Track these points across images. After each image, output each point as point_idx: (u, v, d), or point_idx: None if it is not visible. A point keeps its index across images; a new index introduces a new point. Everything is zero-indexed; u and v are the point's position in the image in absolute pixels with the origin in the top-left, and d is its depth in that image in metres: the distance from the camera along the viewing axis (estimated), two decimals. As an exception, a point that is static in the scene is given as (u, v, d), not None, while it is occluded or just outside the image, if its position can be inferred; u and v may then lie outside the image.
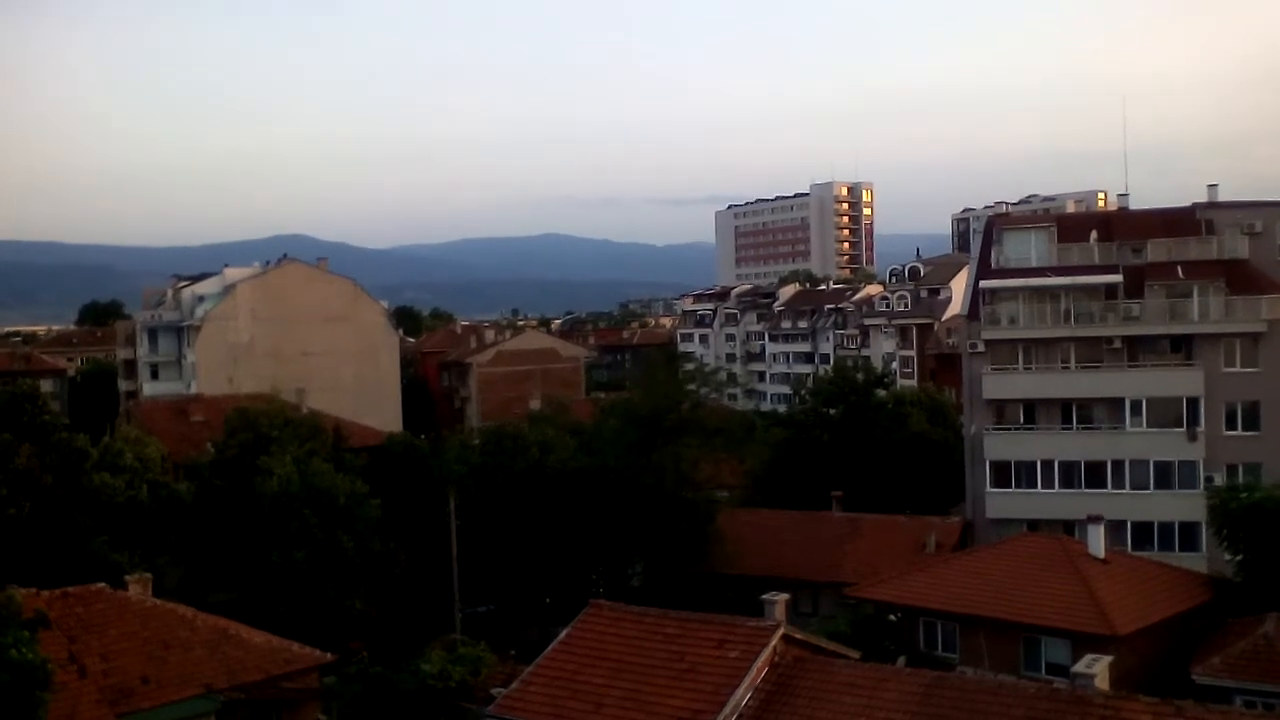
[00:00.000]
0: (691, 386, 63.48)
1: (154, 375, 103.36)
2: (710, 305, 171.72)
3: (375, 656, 43.21)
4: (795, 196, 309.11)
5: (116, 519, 48.41)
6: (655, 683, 27.21)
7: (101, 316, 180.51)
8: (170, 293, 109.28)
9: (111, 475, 50.26)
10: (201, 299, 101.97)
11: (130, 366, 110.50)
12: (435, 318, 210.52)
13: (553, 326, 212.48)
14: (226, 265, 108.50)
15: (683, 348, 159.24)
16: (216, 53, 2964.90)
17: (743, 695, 26.10)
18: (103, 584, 34.17)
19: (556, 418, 72.16)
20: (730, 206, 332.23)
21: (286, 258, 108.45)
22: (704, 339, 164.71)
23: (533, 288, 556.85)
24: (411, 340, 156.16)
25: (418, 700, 38.20)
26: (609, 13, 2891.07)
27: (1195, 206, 62.38)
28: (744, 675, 26.40)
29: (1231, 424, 57.15)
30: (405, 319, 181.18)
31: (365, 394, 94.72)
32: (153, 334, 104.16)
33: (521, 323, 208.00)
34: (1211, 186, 63.83)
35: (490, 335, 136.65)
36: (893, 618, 44.18)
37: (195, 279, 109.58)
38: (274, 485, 48.52)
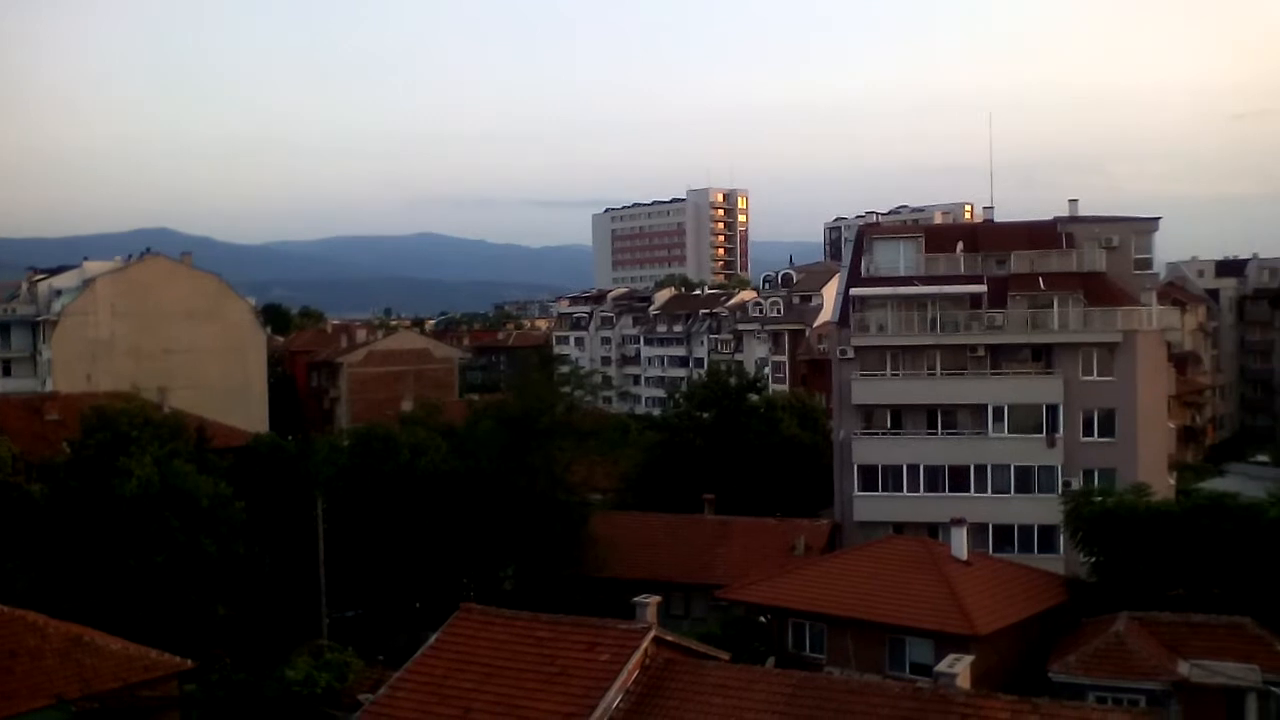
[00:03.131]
0: (566, 389, 63.36)
1: (6, 372, 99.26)
2: (586, 308, 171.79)
3: (238, 663, 42.04)
4: (672, 202, 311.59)
5: (-39, 521, 46.26)
6: (525, 687, 27.01)
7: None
8: (25, 286, 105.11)
9: (-44, 476, 48.03)
10: (59, 293, 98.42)
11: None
12: (305, 316, 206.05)
13: (426, 327, 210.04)
14: (86, 259, 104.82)
15: (558, 350, 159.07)
16: (73, 39, 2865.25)
17: (613, 698, 26.08)
18: (-56, 590, 32.63)
19: (429, 419, 71.26)
20: (607, 210, 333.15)
21: (149, 252, 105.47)
22: (579, 342, 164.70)
23: (406, 287, 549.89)
24: (280, 339, 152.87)
25: (282, 707, 37.28)
26: (487, 13, 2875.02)
27: (1057, 220, 64.52)
28: (615, 678, 26.36)
29: (1088, 430, 59.20)
30: (274, 317, 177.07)
31: (231, 393, 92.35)
32: (5, 328, 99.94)
33: (394, 323, 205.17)
34: (1072, 201, 66.23)
35: (362, 335, 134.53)
36: (762, 619, 44.69)
37: (52, 272, 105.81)
38: (133, 487, 46.84)
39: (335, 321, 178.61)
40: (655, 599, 31.14)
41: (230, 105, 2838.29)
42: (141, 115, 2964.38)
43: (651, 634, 27.90)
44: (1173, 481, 61.90)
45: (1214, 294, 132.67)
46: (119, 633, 34.96)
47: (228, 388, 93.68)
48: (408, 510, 54.12)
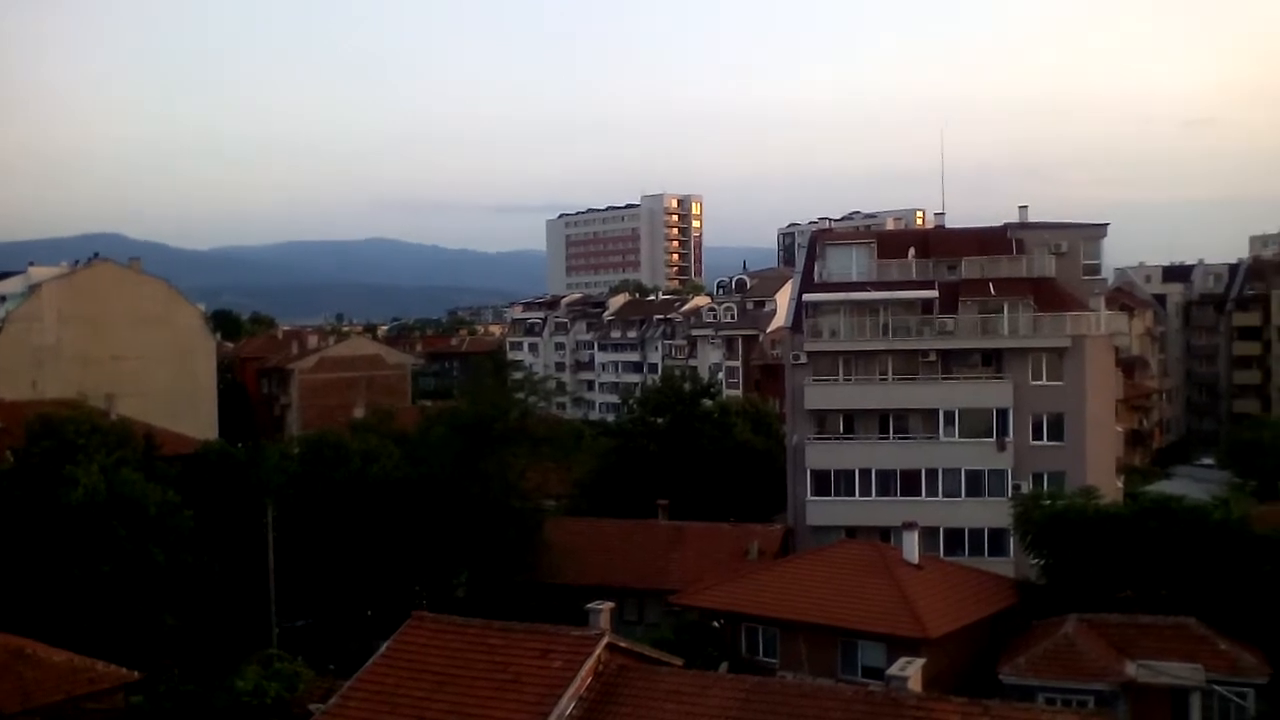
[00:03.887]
0: (520, 395, 63.18)
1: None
2: (540, 314, 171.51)
3: (187, 674, 41.54)
4: (626, 207, 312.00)
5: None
6: (478, 695, 26.85)
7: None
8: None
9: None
10: (3, 299, 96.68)
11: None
12: (256, 322, 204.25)
13: (379, 333, 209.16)
14: (32, 263, 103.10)
15: (512, 356, 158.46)
16: (15, 41, 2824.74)
17: (566, 705, 25.99)
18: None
19: (381, 426, 70.80)
20: (561, 215, 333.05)
21: (97, 257, 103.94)
22: (533, 347, 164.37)
23: (359, 293, 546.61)
24: (230, 345, 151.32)
25: (231, 718, 36.86)
26: (439, 16, 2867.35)
27: (1007, 226, 65.12)
28: (568, 685, 26.27)
29: (1038, 434, 59.79)
30: (224, 323, 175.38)
31: (180, 400, 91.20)
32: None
33: (347, 329, 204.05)
34: (1022, 208, 66.77)
35: (313, 341, 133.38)
36: (716, 624, 44.74)
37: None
38: (79, 495, 46.15)
39: (286, 327, 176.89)
40: (608, 605, 31.10)
41: (182, 109, 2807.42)
42: (91, 119, 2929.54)
43: (605, 640, 27.85)
44: (1121, 484, 62.64)
45: (1161, 299, 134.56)
46: (64, 644, 34.47)
47: (177, 395, 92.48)
48: (359, 518, 53.76)
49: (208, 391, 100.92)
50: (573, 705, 26.12)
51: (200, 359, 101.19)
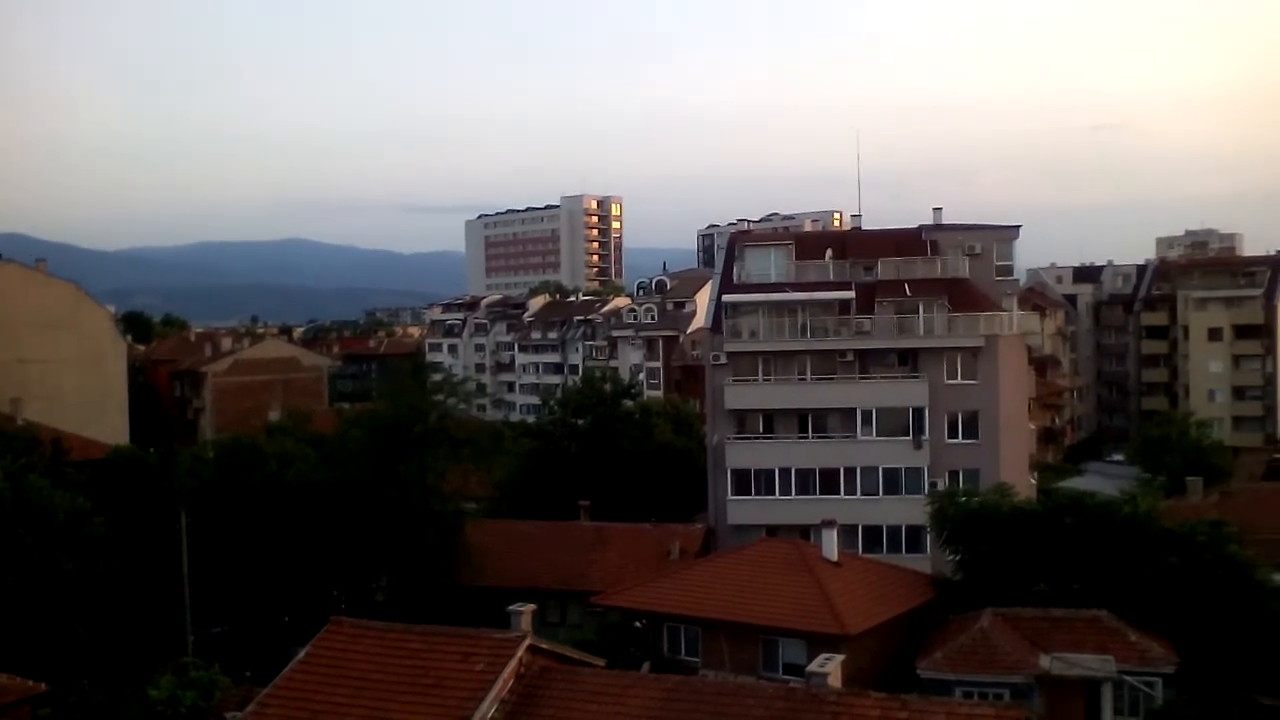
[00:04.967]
0: (439, 397, 62.61)
1: None
2: (459, 315, 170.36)
3: (99, 684, 40.60)
4: (546, 208, 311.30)
5: None
6: (398, 700, 26.59)
7: None
8: None
9: None
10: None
11: None
12: (167, 324, 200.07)
13: (295, 335, 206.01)
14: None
15: (431, 358, 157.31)
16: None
17: (488, 709, 25.83)
18: None
19: (297, 429, 69.84)
20: (480, 216, 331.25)
21: (1, 258, 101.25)
22: (453, 349, 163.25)
23: (274, 294, 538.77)
24: (142, 348, 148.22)
25: (145, 729, 36.10)
26: (357, 15, 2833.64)
27: (922, 228, 66.00)
28: (489, 688, 26.12)
29: (953, 432, 60.73)
30: (135, 325, 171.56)
31: (89, 405, 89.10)
32: None
33: (261, 330, 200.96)
34: (936, 209, 67.62)
35: (227, 343, 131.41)
36: (638, 624, 44.80)
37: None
38: (-17, 503, 44.97)
39: (199, 330, 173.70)
40: (530, 607, 30.97)
41: (89, 107, 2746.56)
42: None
43: (526, 642, 27.74)
44: (1034, 481, 63.94)
45: (1072, 299, 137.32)
46: (-33, 656, 33.45)
47: (86, 399, 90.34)
48: (276, 522, 52.97)
49: (118, 395, 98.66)
50: (494, 708, 25.98)
51: (110, 362, 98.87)
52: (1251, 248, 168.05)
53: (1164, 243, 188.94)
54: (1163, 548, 40.72)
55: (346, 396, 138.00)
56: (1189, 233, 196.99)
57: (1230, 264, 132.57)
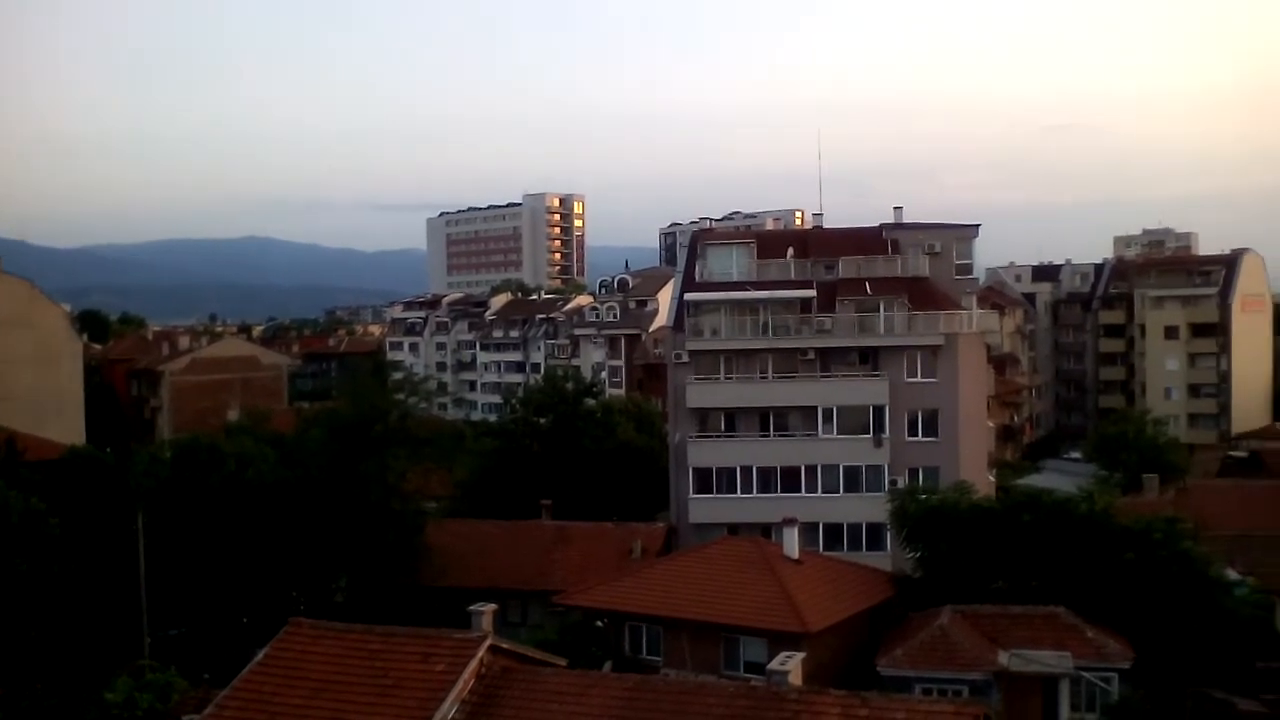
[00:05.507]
0: (400, 396, 62.34)
1: None
2: (421, 313, 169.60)
3: (53, 687, 40.18)
4: (508, 206, 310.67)
5: None
6: (358, 701, 26.43)
7: None
8: None
9: None
10: None
11: None
12: (125, 323, 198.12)
13: (254, 333, 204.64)
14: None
15: (392, 356, 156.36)
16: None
17: (449, 709, 25.72)
18: None
19: (256, 428, 69.31)
20: (442, 214, 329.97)
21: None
22: (414, 348, 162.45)
23: (233, 293, 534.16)
24: (98, 346, 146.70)
25: (100, 732, 35.73)
26: (318, 12, 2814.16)
27: (883, 227, 66.41)
28: (450, 689, 26.01)
29: (913, 430, 61.11)
30: (91, 324, 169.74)
31: (44, 404, 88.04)
32: None
33: (220, 329, 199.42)
34: (897, 209, 68.09)
35: (185, 342, 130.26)
36: (600, 624, 44.71)
37: None
38: (-66, 505, 44.40)
39: (157, 328, 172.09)
40: (491, 607, 30.91)
41: (45, 103, 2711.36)
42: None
43: (487, 643, 27.64)
44: (993, 479, 64.43)
45: (1031, 298, 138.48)
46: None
47: (41, 398, 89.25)
48: (234, 523, 52.56)
49: (74, 395, 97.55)
50: (455, 709, 25.88)
51: (66, 361, 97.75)
52: (1206, 247, 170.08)
53: (1121, 241, 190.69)
54: (1119, 544, 41.10)
55: (306, 396, 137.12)
56: (1146, 232, 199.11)
57: (1186, 263, 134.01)
